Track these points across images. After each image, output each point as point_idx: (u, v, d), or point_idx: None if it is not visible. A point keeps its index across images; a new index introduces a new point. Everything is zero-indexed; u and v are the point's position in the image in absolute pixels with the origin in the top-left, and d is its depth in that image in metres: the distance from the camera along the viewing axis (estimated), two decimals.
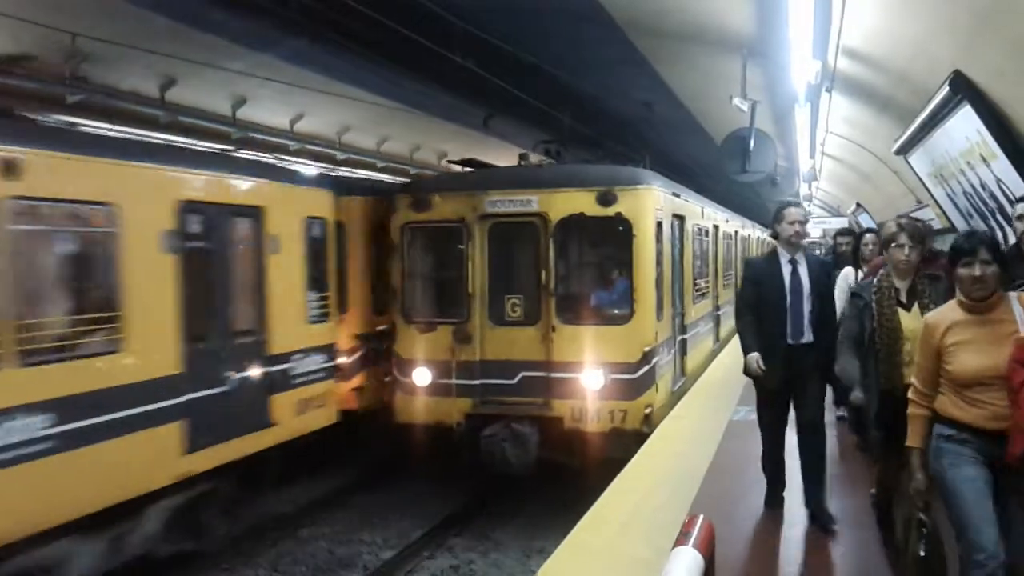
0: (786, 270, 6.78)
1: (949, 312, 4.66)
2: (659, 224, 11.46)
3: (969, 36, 6.51)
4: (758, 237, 30.04)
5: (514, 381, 11.19)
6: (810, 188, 27.33)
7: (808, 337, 6.73)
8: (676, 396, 12.49)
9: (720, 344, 17.99)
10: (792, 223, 6.81)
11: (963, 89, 6.93)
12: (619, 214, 10.93)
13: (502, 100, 16.00)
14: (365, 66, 13.30)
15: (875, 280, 5.94)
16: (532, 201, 11.18)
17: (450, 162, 13.07)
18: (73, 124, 10.81)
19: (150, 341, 8.27)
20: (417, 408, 11.45)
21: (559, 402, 10.99)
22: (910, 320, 5.65)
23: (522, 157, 12.06)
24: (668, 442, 9.75)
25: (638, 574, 5.76)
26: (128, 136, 11.41)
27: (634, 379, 10.86)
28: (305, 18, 11.48)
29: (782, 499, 7.25)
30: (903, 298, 5.79)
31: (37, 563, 7.30)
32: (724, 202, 22.22)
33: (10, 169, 6.96)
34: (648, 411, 10.89)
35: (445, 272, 11.91)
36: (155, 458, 8.30)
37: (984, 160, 7.56)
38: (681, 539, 3.75)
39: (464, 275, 11.35)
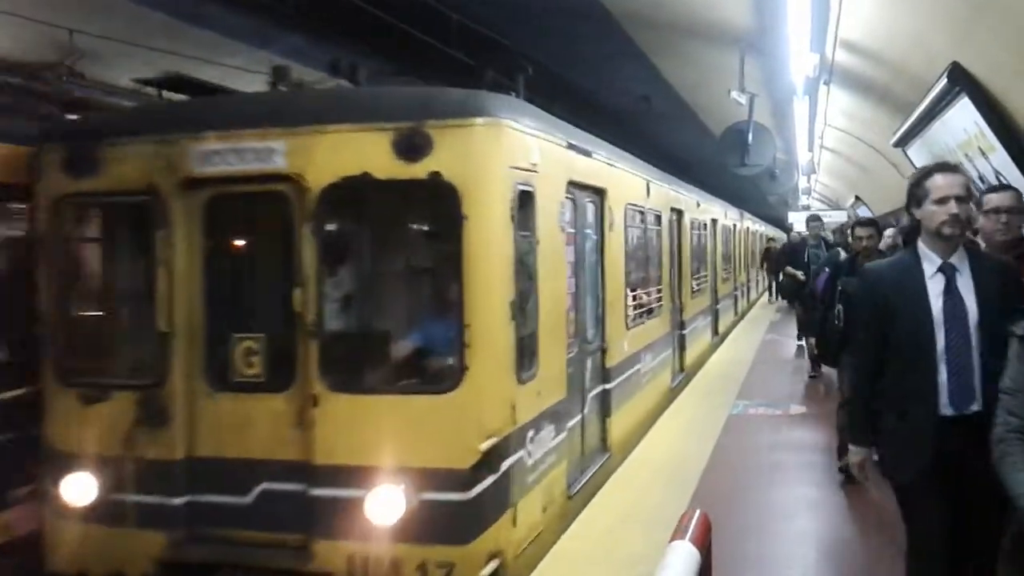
0: (935, 286, 3.67)
1: None
2: (524, 195, 5.51)
3: (967, 28, 6.06)
4: (748, 228, 24.43)
5: (247, 500, 5.32)
6: (809, 181, 26.62)
7: (978, 404, 3.56)
8: (582, 499, 6.60)
9: (684, 377, 11.97)
10: (942, 200, 3.65)
11: (961, 81, 6.45)
12: (435, 176, 5.03)
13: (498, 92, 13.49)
14: (363, 62, 11.05)
15: None
16: (275, 152, 5.26)
17: (138, 82, 7.20)
18: None
19: None
20: (73, 546, 5.55)
21: (327, 545, 5.12)
22: None
23: (278, 75, 6.03)
24: (666, 437, 8.66)
25: (635, 569, 5.05)
26: None
27: (465, 502, 4.99)
28: (301, 14, 10.56)
29: None
30: None
31: None
32: (722, 196, 19.14)
33: None
34: (494, 566, 5.01)
35: (125, 291, 5.99)
36: None
37: (982, 152, 6.96)
38: (677, 533, 3.13)
39: (156, 297, 5.46)
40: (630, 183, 8.76)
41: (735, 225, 20.68)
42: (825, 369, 10.79)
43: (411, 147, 5.03)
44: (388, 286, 5.54)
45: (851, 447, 4.00)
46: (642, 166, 9.64)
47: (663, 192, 10.60)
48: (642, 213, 9.34)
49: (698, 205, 13.70)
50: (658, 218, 10.27)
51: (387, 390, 5.24)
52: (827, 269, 7.69)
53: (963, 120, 7.04)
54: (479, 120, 5.12)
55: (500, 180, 5.19)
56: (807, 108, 12.34)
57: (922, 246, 3.81)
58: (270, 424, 5.29)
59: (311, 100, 5.61)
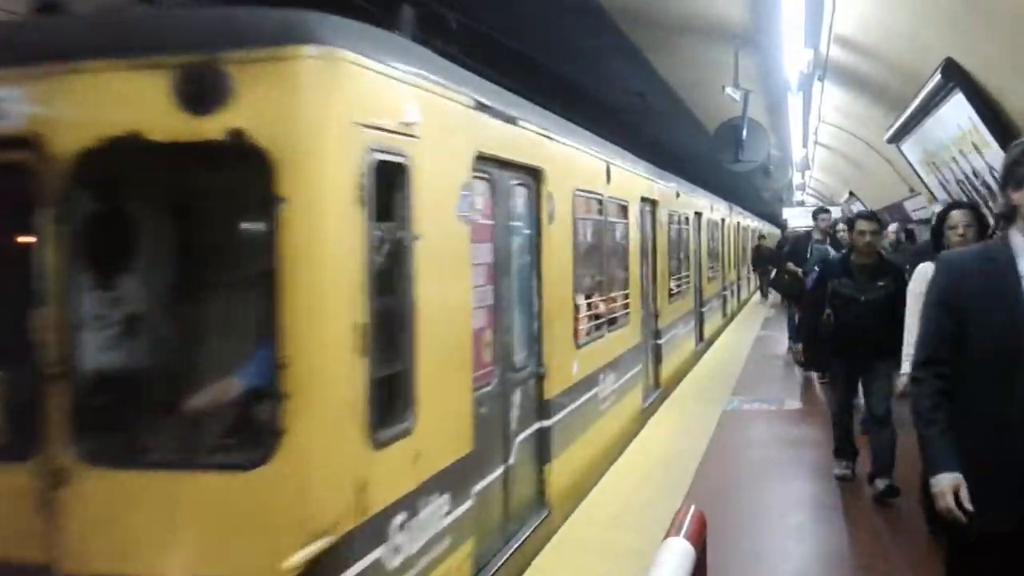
0: None
1: None
2: (389, 169, 3.65)
3: (961, 23, 5.97)
4: (739, 224, 22.84)
5: None
6: (803, 177, 25.85)
7: None
8: None
9: (661, 394, 10.13)
10: None
11: (955, 77, 6.34)
12: (237, 136, 3.19)
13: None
14: None
15: None
16: (6, 103, 3.43)
17: None
18: None
19: None
20: None
21: None
22: None
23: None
24: (660, 433, 8.33)
25: (630, 565, 4.90)
26: None
27: None
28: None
29: None
30: None
31: None
32: (717, 193, 18.44)
33: None
34: None
35: None
36: None
37: (976, 148, 6.85)
38: (672, 530, 3.01)
39: None
40: (581, 164, 6.90)
41: (724, 219, 18.80)
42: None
43: (199, 92, 3.21)
44: (176, 305, 3.67)
45: (937, 477, 2.89)
46: (600, 144, 7.75)
47: (630, 178, 8.73)
48: (600, 202, 7.48)
49: (678, 196, 11.83)
50: (624, 209, 8.41)
51: (169, 463, 3.39)
52: (817, 268, 6.85)
53: (957, 116, 6.91)
54: (306, 50, 3.27)
55: (340, 143, 3.35)
56: (801, 104, 12.14)
57: (1017, 237, 2.98)
58: (9, 508, 3.48)
59: (56, 27, 3.74)
